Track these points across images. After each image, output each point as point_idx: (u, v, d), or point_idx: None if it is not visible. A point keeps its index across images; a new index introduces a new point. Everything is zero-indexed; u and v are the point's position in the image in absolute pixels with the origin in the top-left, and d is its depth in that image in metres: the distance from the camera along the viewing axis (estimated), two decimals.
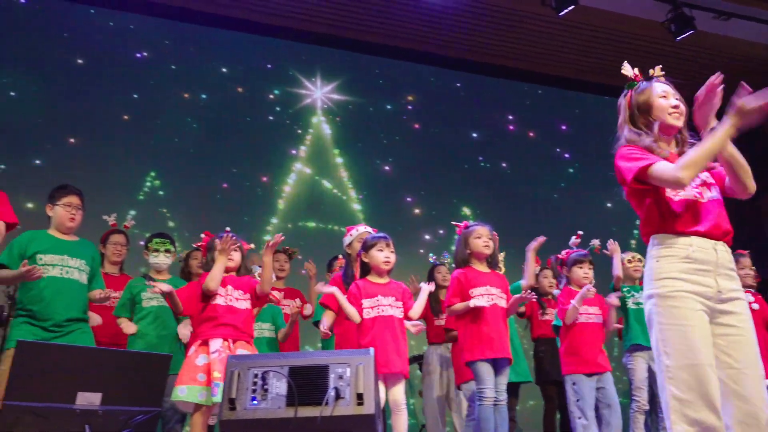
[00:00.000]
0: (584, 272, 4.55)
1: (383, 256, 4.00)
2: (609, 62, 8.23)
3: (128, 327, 4.44)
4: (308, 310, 5.18)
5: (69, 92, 6.87)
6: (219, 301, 3.79)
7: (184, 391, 3.54)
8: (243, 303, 3.87)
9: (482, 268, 4.26)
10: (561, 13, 7.20)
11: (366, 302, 3.93)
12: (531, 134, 8.78)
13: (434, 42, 8.15)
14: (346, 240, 4.57)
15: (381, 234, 4.15)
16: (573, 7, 7.12)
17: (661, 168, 2.34)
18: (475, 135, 8.54)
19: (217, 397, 3.43)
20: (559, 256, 4.88)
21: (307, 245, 6.79)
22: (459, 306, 4.13)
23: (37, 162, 6.60)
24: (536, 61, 8.55)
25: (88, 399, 2.89)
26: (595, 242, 5.12)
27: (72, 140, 6.82)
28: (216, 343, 3.63)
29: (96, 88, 6.97)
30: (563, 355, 4.47)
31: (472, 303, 4.04)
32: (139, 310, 4.57)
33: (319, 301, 4.44)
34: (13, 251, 3.72)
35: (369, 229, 4.57)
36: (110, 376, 2.92)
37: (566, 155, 8.88)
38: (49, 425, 2.84)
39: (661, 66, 2.67)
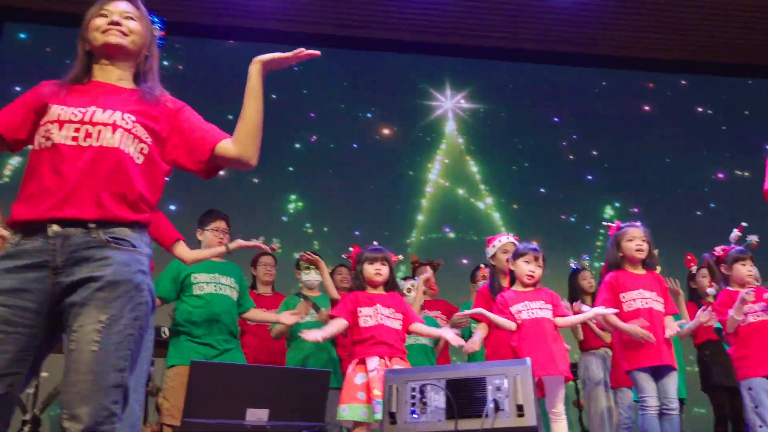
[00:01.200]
0: (748, 270, 4.10)
1: (528, 269, 3.86)
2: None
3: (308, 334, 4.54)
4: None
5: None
6: (370, 322, 3.73)
7: (346, 411, 3.51)
8: (394, 322, 3.77)
9: (636, 270, 4.00)
10: None
11: (514, 307, 3.82)
12: (672, 126, 8.22)
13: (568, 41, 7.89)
14: (489, 251, 4.47)
15: (532, 246, 3.98)
16: None
17: None
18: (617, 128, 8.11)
19: (379, 414, 3.40)
20: (715, 253, 4.47)
21: (448, 256, 6.74)
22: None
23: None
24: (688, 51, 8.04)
25: (257, 415, 2.98)
26: (753, 238, 4.63)
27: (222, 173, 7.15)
28: (373, 362, 3.60)
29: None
30: (735, 359, 4.06)
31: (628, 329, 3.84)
32: (295, 327, 4.68)
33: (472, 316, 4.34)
34: (167, 277, 3.92)
35: (511, 238, 4.45)
36: (276, 393, 3.00)
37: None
38: None
39: None
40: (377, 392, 3.39)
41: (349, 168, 7.47)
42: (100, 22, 1.95)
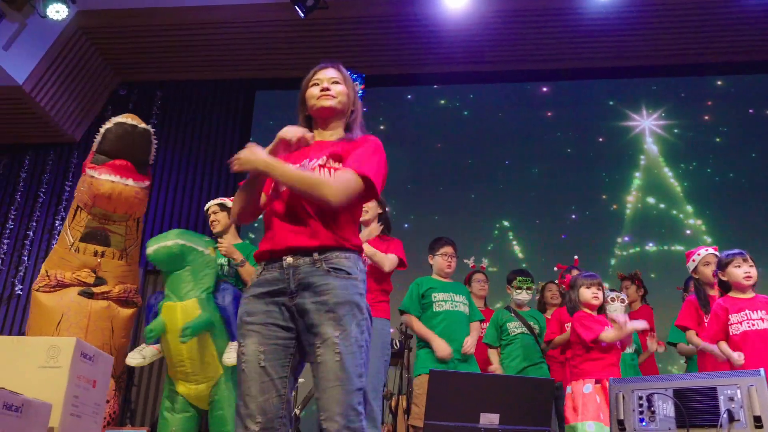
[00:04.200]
0: None
1: (742, 272, 3.61)
2: None
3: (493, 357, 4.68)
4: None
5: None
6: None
7: (592, 427, 3.46)
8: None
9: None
10: None
11: (734, 317, 3.57)
12: None
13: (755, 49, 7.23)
14: (690, 266, 4.29)
15: (736, 250, 3.75)
16: None
17: None
18: None
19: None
20: None
21: (651, 268, 6.42)
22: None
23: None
24: None
25: (489, 419, 3.07)
26: None
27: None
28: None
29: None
30: None
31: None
32: (505, 337, 4.76)
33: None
34: (414, 295, 4.22)
35: (711, 250, 4.22)
36: (505, 399, 3.06)
37: None
38: None
39: None
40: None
41: (555, 189, 7.42)
42: (314, 91, 2.20)
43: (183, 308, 3.77)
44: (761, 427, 2.50)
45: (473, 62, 7.65)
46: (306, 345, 1.97)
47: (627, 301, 4.94)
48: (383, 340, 3.85)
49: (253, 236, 7.13)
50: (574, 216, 7.25)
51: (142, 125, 4.38)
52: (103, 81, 7.87)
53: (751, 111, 7.44)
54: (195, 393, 3.82)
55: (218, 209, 4.28)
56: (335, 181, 1.99)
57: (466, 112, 7.85)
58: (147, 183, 4.42)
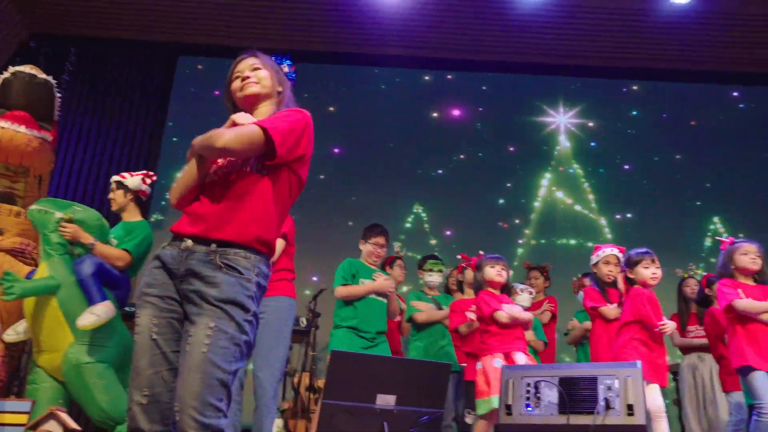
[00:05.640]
0: None
1: (650, 272, 3.83)
2: None
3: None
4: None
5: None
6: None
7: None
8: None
9: (747, 281, 3.88)
10: None
11: None
12: None
13: (677, 58, 7.61)
14: (593, 260, 4.51)
15: (644, 249, 3.97)
16: None
17: None
18: (719, 142, 7.74)
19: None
20: None
21: (558, 261, 6.71)
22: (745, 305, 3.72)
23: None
24: None
25: (386, 400, 3.13)
26: None
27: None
28: (521, 357, 3.71)
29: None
30: None
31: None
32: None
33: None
34: (347, 273, 4.23)
35: (615, 250, 4.44)
36: (403, 382, 3.14)
37: None
38: (356, 421, 3.13)
39: None
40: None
41: (469, 178, 7.59)
42: (236, 84, 2.19)
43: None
44: (632, 414, 2.69)
45: (404, 47, 7.68)
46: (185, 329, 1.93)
47: (534, 293, 5.17)
48: (281, 318, 3.88)
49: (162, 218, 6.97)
50: (486, 206, 7.46)
51: (42, 76, 4.18)
52: (12, 30, 7.40)
53: (665, 116, 7.84)
54: (49, 364, 3.69)
55: (115, 187, 4.14)
56: (231, 130, 1.99)
57: (395, 97, 7.90)
58: (47, 136, 4.20)
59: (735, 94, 7.96)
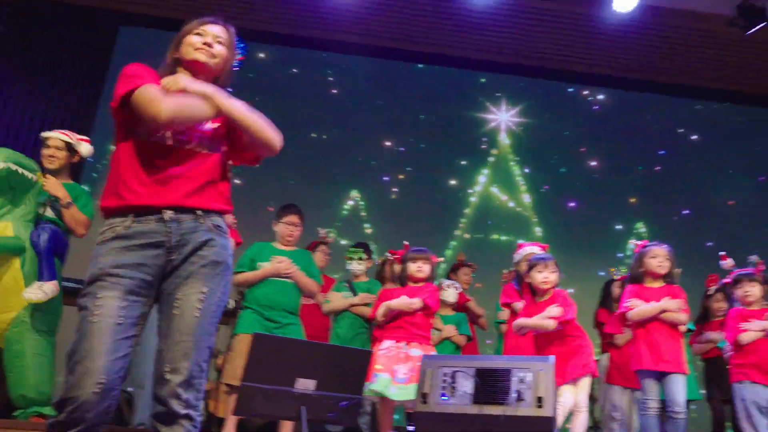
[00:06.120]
0: (744, 291, 4.16)
1: (541, 277, 3.96)
2: None
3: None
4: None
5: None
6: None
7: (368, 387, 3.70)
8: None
9: (655, 284, 4.07)
10: (749, 32, 6.59)
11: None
12: (704, 150, 8.11)
13: (611, 65, 7.83)
14: (516, 257, 4.63)
15: (542, 255, 4.13)
16: (764, 24, 6.45)
17: None
18: (661, 152, 8.05)
19: (376, 386, 3.68)
20: (726, 280, 4.50)
21: (486, 257, 6.85)
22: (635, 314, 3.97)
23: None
24: (715, 79, 7.90)
25: (305, 385, 3.15)
26: (754, 258, 4.60)
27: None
28: (386, 343, 3.83)
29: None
30: (733, 364, 4.12)
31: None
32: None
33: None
34: (244, 259, 4.17)
35: (536, 249, 4.57)
36: (323, 367, 3.15)
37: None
38: (274, 404, 3.13)
39: None
40: (379, 366, 3.68)
41: (408, 169, 7.63)
42: (195, 39, 2.11)
43: None
44: (541, 407, 2.78)
45: (353, 33, 7.64)
46: (164, 295, 1.95)
47: (460, 289, 5.25)
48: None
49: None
50: (423, 198, 7.53)
51: None
52: None
53: (602, 121, 8.07)
54: None
55: (63, 145, 3.95)
56: (247, 108, 2.09)
57: (342, 83, 7.87)
58: None
59: (681, 104, 8.25)
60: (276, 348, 3.11)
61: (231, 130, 2.12)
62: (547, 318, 3.78)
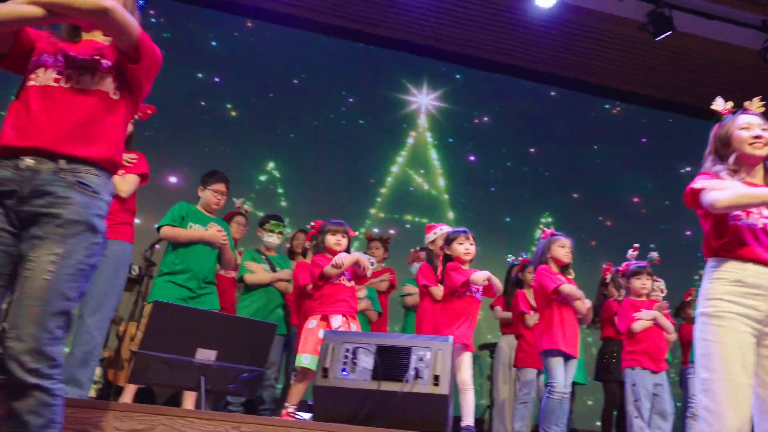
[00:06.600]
0: (641, 283, 4.44)
1: (464, 248, 4.08)
2: (699, 86, 7.95)
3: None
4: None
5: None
6: (335, 279, 3.90)
7: (308, 359, 3.68)
8: (351, 281, 3.97)
9: (557, 272, 4.26)
10: (658, 38, 6.96)
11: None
12: (609, 147, 8.53)
13: (530, 58, 8.05)
14: (429, 237, 4.69)
15: (461, 228, 4.23)
16: (670, 33, 6.85)
17: (708, 193, 2.31)
18: (556, 145, 8.38)
19: None
20: (620, 268, 4.79)
21: (402, 235, 6.96)
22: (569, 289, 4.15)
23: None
24: (625, 80, 8.30)
25: (206, 355, 3.11)
26: (653, 255, 4.96)
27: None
28: (337, 320, 3.77)
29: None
30: (626, 351, 4.41)
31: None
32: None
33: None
34: (175, 214, 4.05)
35: (449, 228, 4.67)
36: (225, 338, 3.13)
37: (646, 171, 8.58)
38: (173, 374, 3.08)
39: (760, 97, 2.56)
40: None
41: (328, 145, 7.58)
42: None
43: None
44: (438, 385, 2.86)
45: (281, 3, 7.49)
46: (22, 257, 1.81)
47: (375, 262, 5.31)
48: (119, 264, 3.69)
49: None
50: (340, 175, 7.53)
51: None
52: None
53: (519, 113, 8.29)
54: None
55: None
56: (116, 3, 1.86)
57: (266, 54, 7.69)
58: None
59: (598, 101, 8.59)
60: (177, 316, 3.06)
61: (121, 63, 1.98)
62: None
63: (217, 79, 7.49)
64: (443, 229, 4.63)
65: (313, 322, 3.80)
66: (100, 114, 1.92)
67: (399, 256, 6.12)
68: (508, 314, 5.35)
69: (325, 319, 3.79)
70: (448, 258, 4.15)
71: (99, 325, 3.58)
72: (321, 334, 3.70)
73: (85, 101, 1.91)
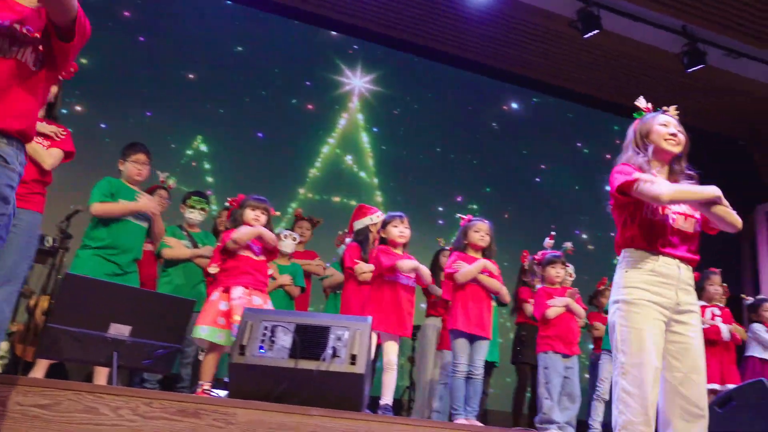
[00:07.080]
0: (556, 272, 4.64)
1: (398, 231, 4.14)
2: (621, 84, 8.28)
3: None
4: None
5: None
6: (240, 252, 3.88)
7: (206, 331, 3.65)
8: (260, 255, 3.96)
9: (477, 256, 4.36)
10: (586, 35, 7.19)
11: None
12: (543, 134, 8.78)
13: (464, 47, 8.16)
14: (367, 220, 4.66)
15: (397, 213, 4.29)
16: (597, 31, 7.09)
17: (645, 184, 2.42)
18: (486, 132, 8.56)
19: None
20: (536, 257, 4.96)
21: (329, 217, 6.95)
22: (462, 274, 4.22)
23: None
24: (553, 75, 8.54)
25: (119, 330, 3.05)
26: (568, 245, 5.18)
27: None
28: (237, 291, 3.75)
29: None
30: (540, 336, 4.58)
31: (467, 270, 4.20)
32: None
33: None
34: (105, 190, 3.92)
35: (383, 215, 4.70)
36: (140, 313, 3.07)
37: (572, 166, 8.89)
38: (84, 349, 3.00)
39: (676, 106, 2.72)
40: (238, 318, 3.49)
41: (258, 123, 7.47)
42: None
43: None
44: (354, 363, 2.90)
45: None
46: None
47: (298, 240, 5.29)
48: (30, 235, 3.54)
49: None
50: (269, 154, 7.44)
51: None
52: None
53: (450, 100, 8.38)
54: None
55: None
56: None
57: (200, 27, 7.48)
58: None
59: (522, 94, 8.79)
60: (89, 290, 2.98)
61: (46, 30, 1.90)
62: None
63: (152, 51, 7.23)
64: (380, 216, 4.65)
65: (215, 294, 3.78)
66: (16, 83, 1.83)
67: (326, 237, 6.11)
68: (439, 291, 5.45)
69: (227, 291, 3.76)
70: (383, 241, 4.20)
71: (8, 298, 3.41)
72: (222, 306, 3.72)
73: (0, 69, 1.82)
